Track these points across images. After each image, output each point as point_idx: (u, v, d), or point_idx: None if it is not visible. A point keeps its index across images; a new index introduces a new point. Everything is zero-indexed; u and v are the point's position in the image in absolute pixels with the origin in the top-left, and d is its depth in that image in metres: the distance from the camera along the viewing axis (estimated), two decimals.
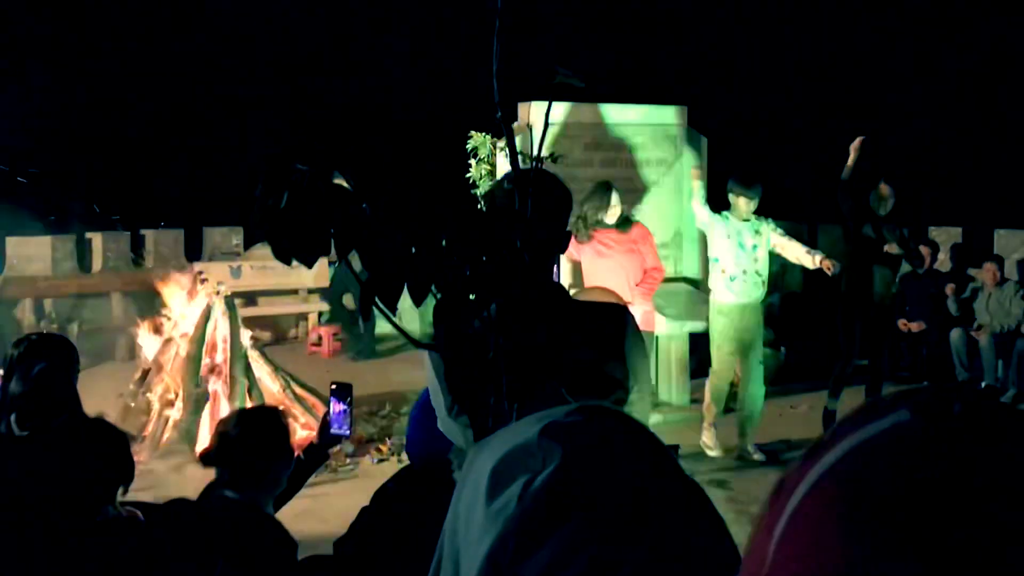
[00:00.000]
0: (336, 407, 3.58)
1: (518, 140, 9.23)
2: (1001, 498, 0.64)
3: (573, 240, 7.72)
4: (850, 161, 8.38)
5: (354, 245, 1.64)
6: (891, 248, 8.68)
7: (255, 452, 3.29)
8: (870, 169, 8.55)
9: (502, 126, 2.17)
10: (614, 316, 2.76)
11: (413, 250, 1.61)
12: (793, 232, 10.69)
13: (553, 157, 2.37)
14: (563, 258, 7.87)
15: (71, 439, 3.20)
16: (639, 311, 7.68)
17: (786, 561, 0.68)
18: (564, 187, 2.71)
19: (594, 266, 7.98)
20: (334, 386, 3.65)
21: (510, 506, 1.02)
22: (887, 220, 8.59)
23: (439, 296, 1.66)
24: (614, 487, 1.02)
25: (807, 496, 0.69)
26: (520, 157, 2.60)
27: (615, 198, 8.04)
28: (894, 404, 0.71)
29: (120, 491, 3.13)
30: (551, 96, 2.56)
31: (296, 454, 3.51)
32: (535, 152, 2.38)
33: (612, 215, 8.02)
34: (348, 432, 3.63)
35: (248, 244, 13.11)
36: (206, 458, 3.37)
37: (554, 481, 1.01)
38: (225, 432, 3.37)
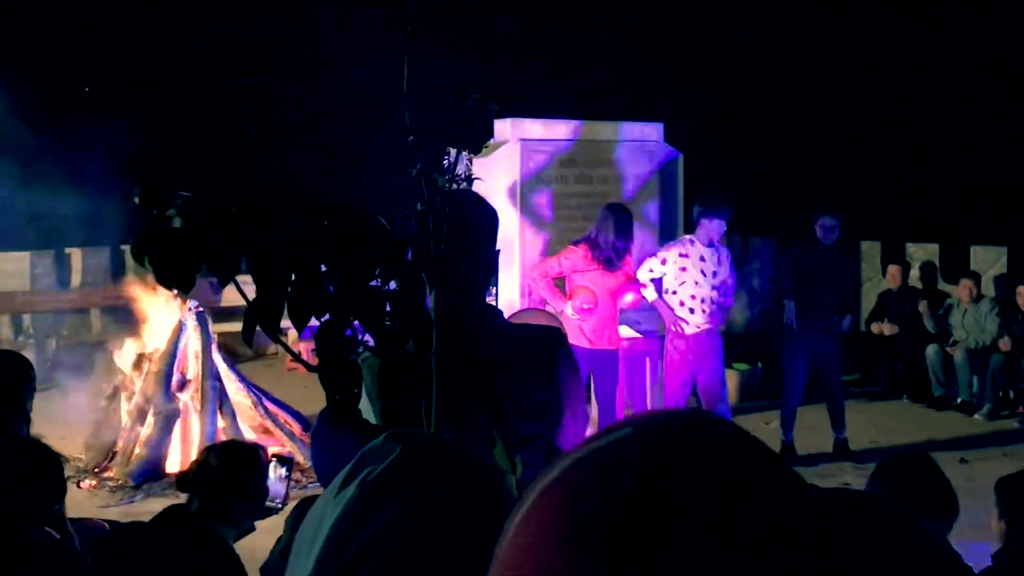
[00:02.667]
0: (276, 473, 3.51)
1: (494, 155, 9.27)
2: (697, 513, 0.65)
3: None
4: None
5: (235, 271, 1.65)
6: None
7: (229, 487, 3.32)
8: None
9: (413, 151, 2.17)
10: (546, 339, 2.71)
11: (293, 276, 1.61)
12: (761, 247, 10.65)
13: (470, 179, 2.35)
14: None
15: None
16: None
17: (506, 569, 0.70)
18: (489, 206, 2.65)
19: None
20: (274, 459, 3.58)
21: (351, 490, 1.13)
22: (833, 248, 8.58)
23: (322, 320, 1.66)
24: (445, 472, 1.15)
25: (530, 507, 0.71)
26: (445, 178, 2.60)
27: None
28: (621, 425, 0.72)
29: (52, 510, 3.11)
30: (485, 118, 2.57)
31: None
32: (456, 171, 2.35)
33: None
34: (282, 505, 3.51)
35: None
36: (180, 482, 3.40)
37: (391, 466, 1.13)
38: (206, 460, 3.41)
